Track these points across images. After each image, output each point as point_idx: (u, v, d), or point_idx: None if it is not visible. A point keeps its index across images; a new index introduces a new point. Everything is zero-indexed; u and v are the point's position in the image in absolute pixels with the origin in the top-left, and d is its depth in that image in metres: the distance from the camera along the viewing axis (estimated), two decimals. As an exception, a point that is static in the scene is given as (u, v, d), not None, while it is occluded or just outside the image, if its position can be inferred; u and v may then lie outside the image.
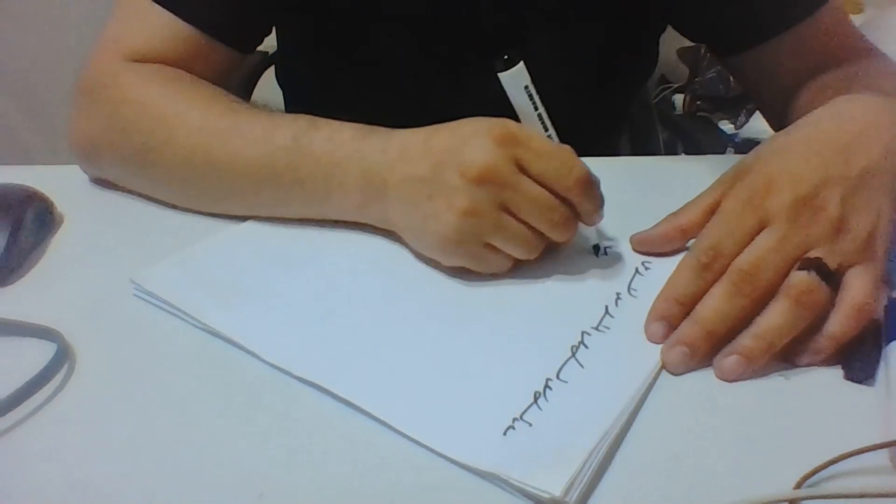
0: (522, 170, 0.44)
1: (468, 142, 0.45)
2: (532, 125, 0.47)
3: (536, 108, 0.46)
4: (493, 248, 0.46)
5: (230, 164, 0.52)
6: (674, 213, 0.49)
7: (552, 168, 0.44)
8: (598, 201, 0.47)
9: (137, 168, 0.57)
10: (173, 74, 0.58)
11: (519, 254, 0.47)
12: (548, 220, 0.45)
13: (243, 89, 1.00)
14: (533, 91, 0.46)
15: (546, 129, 0.47)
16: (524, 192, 0.44)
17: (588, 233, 0.50)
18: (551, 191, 0.45)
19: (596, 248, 0.51)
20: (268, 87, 0.98)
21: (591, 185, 0.45)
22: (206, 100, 0.56)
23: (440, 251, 0.47)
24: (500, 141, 0.44)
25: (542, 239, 0.47)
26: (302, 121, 0.52)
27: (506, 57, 0.45)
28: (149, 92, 0.56)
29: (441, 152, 0.45)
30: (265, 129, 0.52)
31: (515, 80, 0.45)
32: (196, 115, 0.54)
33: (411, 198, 0.46)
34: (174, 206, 0.56)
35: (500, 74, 0.45)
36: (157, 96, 0.56)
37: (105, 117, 0.58)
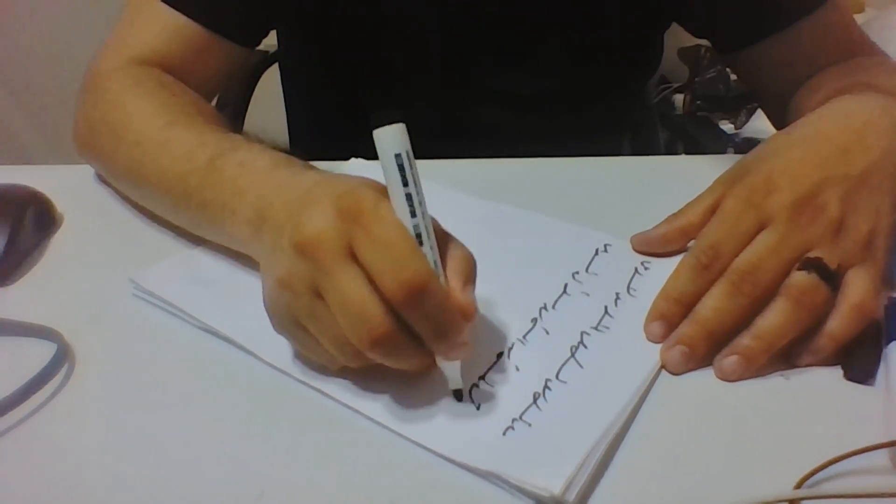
0: (354, 255, 0.35)
1: (316, 203, 0.37)
2: (396, 204, 0.36)
3: (406, 184, 0.35)
4: (306, 335, 0.38)
5: (157, 180, 0.51)
6: (674, 214, 0.49)
7: (382, 261, 0.34)
8: (439, 326, 0.35)
9: (104, 169, 0.59)
10: (143, 77, 0.58)
11: (335, 354, 0.37)
12: (354, 330, 0.35)
13: (243, 89, 1.00)
14: (406, 163, 0.35)
15: (413, 214, 0.36)
16: (336, 284, 0.35)
17: (446, 369, 0.38)
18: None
19: (457, 395, 0.39)
20: (268, 87, 0.98)
21: (422, 298, 0.34)
22: (155, 110, 0.55)
23: (267, 315, 0.40)
24: (341, 213, 0.36)
25: (345, 353, 0.37)
26: (226, 142, 0.49)
27: (385, 112, 0.35)
28: (116, 98, 0.57)
29: (299, 205, 0.38)
30: (190, 148, 0.50)
31: (387, 143, 0.35)
32: (138, 128, 0.54)
33: (267, 244, 0.40)
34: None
35: (373, 131, 0.35)
36: (119, 104, 0.56)
37: (86, 117, 0.59)
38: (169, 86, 0.58)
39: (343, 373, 0.40)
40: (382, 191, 0.37)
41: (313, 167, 0.45)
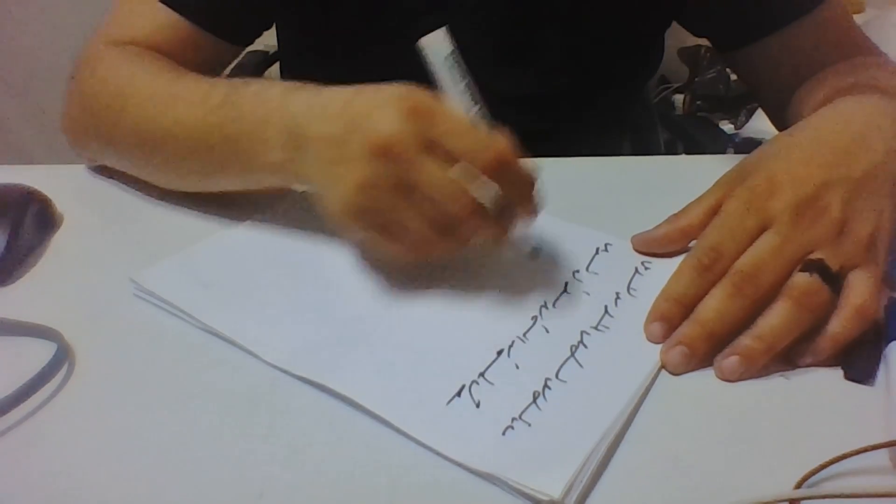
0: (433, 149, 0.40)
1: (379, 108, 0.41)
2: (455, 100, 0.42)
3: (464, 78, 0.42)
4: (391, 231, 0.43)
5: (171, 129, 0.52)
6: (675, 215, 0.49)
7: (467, 144, 0.40)
8: (526, 186, 0.43)
9: (104, 143, 0.59)
10: (137, 52, 0.59)
11: (430, 235, 0.42)
12: (455, 204, 0.41)
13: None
14: (455, 60, 0.42)
15: (475, 102, 0.43)
16: (427, 172, 0.40)
17: (525, 234, 0.46)
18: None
19: (536, 252, 0.48)
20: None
21: (513, 163, 0.41)
22: (158, 71, 0.56)
23: (337, 220, 0.44)
24: (410, 113, 0.40)
25: (440, 235, 0.42)
26: (238, 80, 0.51)
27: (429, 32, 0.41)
28: (112, 67, 0.58)
29: (355, 115, 0.42)
30: (203, 92, 0.51)
31: (436, 48, 0.41)
32: (146, 85, 0.55)
33: (323, 158, 0.44)
34: (175, 206, 0.56)
35: (420, 41, 0.41)
36: (118, 71, 0.57)
37: (79, 95, 0.60)
38: (165, 60, 0.59)
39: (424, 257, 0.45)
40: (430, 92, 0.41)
41: (328, 87, 0.46)
